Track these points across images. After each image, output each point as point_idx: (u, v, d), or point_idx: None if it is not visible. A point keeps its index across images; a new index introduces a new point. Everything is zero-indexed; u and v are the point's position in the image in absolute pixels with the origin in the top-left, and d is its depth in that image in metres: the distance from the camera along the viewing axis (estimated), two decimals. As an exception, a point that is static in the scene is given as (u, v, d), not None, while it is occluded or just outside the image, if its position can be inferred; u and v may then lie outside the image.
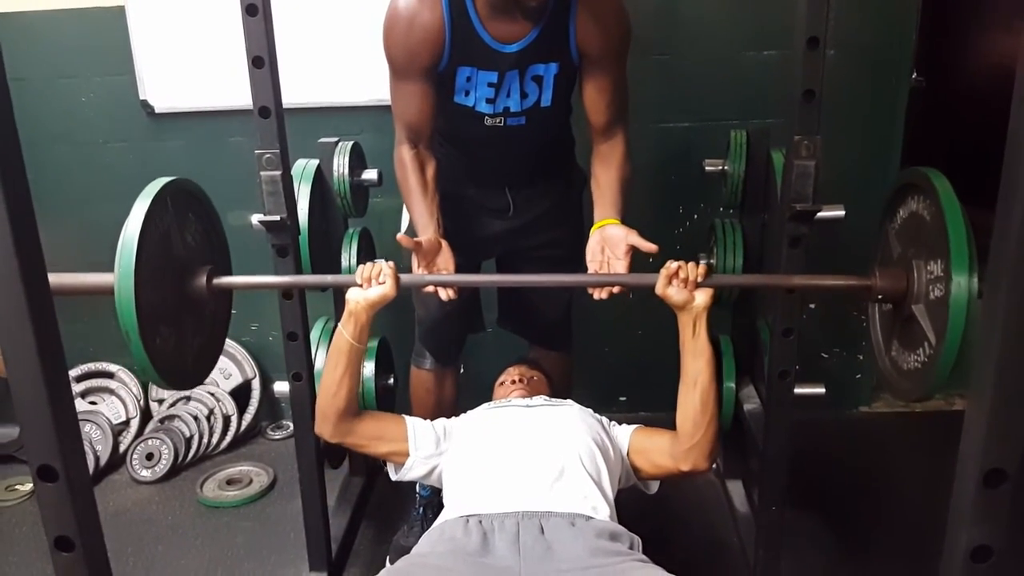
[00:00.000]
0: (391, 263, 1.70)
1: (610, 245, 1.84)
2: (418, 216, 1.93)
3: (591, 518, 1.51)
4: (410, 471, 1.81)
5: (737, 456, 2.49)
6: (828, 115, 1.67)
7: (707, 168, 2.34)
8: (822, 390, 2.11)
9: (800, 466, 2.01)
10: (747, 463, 2.44)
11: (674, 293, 1.61)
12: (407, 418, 1.85)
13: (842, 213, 1.84)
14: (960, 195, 1.39)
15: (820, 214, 1.72)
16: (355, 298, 1.70)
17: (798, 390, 1.91)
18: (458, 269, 1.90)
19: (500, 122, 1.93)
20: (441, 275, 1.83)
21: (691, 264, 1.63)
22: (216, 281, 1.65)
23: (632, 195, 1.95)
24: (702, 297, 1.62)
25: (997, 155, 0.82)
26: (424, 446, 1.79)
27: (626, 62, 1.92)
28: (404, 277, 1.71)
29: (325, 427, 1.79)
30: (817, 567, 2.19)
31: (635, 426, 1.83)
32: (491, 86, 1.87)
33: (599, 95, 1.92)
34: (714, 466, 2.62)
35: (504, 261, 2.32)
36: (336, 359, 1.75)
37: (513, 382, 2.08)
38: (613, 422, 1.86)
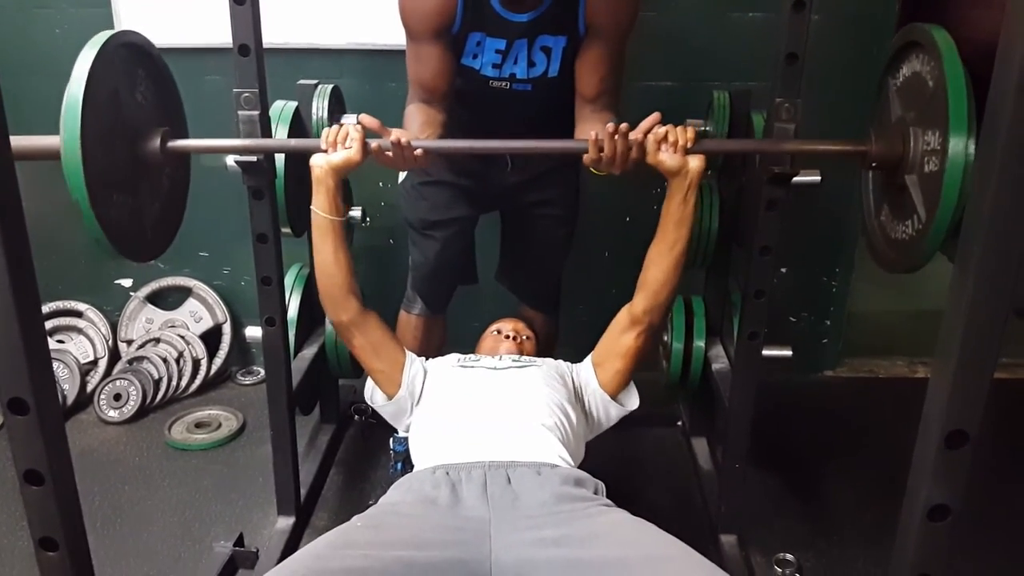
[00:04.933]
0: (358, 126, 1.64)
1: None
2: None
3: (556, 466, 1.53)
4: (387, 407, 1.83)
5: (703, 414, 2.53)
6: (810, 79, 1.67)
7: (688, 128, 2.33)
8: (789, 352, 2.14)
9: (764, 426, 2.04)
10: (712, 421, 2.48)
11: (667, 158, 1.60)
12: (408, 352, 1.85)
13: (818, 178, 1.84)
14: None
15: (797, 178, 1.73)
16: (319, 163, 1.66)
17: (766, 352, 1.93)
18: (461, 220, 1.80)
19: (506, 86, 1.92)
20: (414, 140, 1.65)
21: (680, 128, 1.61)
22: (171, 144, 1.58)
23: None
24: (696, 162, 1.61)
25: (978, 120, 0.83)
26: (413, 389, 1.81)
27: (628, 41, 1.90)
28: (372, 142, 1.65)
29: (336, 310, 1.76)
30: (777, 523, 2.25)
31: (588, 356, 1.87)
32: (498, 52, 1.87)
33: (594, 68, 1.89)
34: (680, 423, 2.66)
35: (506, 216, 2.36)
36: (320, 238, 1.72)
37: (507, 336, 2.08)
38: (577, 366, 1.89)
